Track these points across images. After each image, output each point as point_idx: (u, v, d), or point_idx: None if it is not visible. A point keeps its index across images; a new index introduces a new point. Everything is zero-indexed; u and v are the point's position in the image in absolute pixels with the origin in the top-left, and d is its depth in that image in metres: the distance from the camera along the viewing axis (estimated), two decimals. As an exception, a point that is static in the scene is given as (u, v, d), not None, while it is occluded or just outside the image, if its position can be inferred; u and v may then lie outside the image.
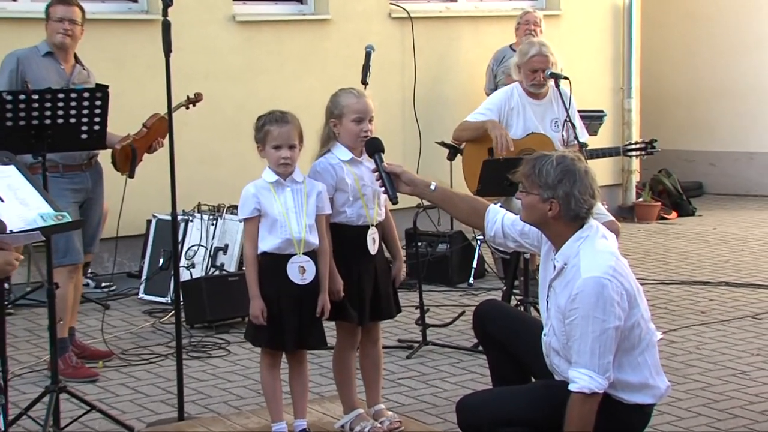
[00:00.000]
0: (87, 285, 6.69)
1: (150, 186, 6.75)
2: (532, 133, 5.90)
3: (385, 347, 4.72)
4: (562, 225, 3.57)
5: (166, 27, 4.26)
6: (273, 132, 3.98)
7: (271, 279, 3.98)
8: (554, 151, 3.67)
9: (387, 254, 4.33)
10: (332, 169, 4.12)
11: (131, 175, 5.27)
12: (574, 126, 5.77)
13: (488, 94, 6.89)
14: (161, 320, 6.09)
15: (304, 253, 3.98)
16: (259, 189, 4.00)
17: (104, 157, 5.31)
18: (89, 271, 6.76)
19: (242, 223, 4.09)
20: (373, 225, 4.17)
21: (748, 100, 10.54)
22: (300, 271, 3.98)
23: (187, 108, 5.79)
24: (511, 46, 8.02)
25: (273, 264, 3.98)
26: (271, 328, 3.97)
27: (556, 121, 5.98)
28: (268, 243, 3.98)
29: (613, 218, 5.60)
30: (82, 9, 5.30)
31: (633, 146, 6.14)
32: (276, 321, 3.97)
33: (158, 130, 5.35)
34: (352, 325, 4.18)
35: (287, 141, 3.99)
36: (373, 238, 4.16)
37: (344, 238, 4.14)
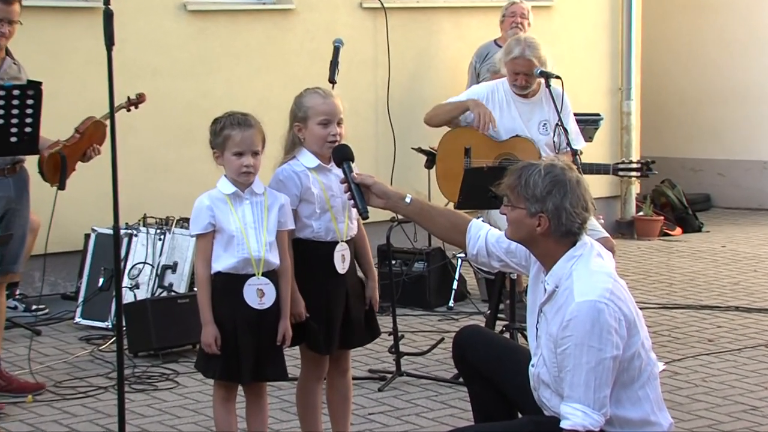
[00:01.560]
0: (15, 308, 6.64)
1: (89, 196, 6.72)
2: (517, 135, 5.95)
3: (354, 378, 4.71)
4: (552, 242, 3.59)
5: (108, 16, 4.24)
6: (234, 137, 3.98)
7: (225, 302, 3.98)
8: (541, 159, 3.69)
9: (360, 273, 4.34)
10: (297, 178, 4.12)
11: (61, 187, 5.22)
12: (566, 131, 5.81)
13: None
14: (100, 348, 6.06)
15: (263, 274, 3.98)
16: (214, 201, 4.00)
17: (31, 162, 5.28)
18: (17, 292, 6.71)
19: (194, 239, 4.08)
20: (343, 240, 4.18)
21: (762, 102, 10.63)
22: (258, 294, 3.98)
23: (128, 110, 5.77)
24: (495, 41, 8.07)
25: (228, 286, 3.98)
26: (226, 357, 3.97)
27: (545, 124, 6.03)
28: (223, 262, 3.98)
29: (607, 235, 5.64)
30: (20, 3, 5.28)
31: (626, 166, 6.16)
32: (231, 349, 3.97)
33: (93, 136, 5.32)
34: (317, 354, 4.18)
35: (250, 147, 3.99)
36: (343, 255, 4.17)
37: (310, 255, 4.14)
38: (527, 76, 5.93)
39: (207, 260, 3.99)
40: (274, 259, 4.02)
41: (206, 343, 3.96)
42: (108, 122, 5.44)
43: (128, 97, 5.64)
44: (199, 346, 4.04)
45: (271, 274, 4.01)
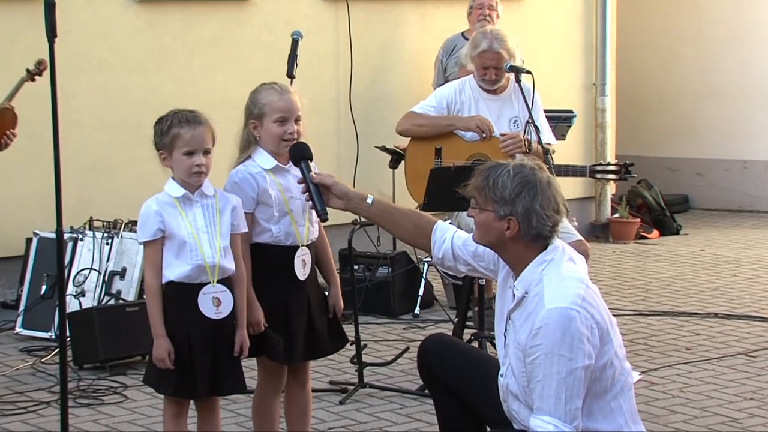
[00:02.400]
0: (-50, 318, 6.59)
1: (30, 197, 6.66)
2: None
3: (314, 390, 4.70)
4: (521, 246, 3.60)
5: (50, 6, 4.22)
6: (184, 135, 3.96)
7: (179, 313, 3.96)
8: (510, 160, 3.71)
9: (321, 279, 4.33)
10: (253, 180, 4.12)
11: None
12: (537, 128, 5.84)
13: (438, 91, 6.95)
14: (42, 360, 6.02)
15: (218, 281, 3.97)
16: (163, 205, 3.98)
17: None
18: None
19: (142, 246, 4.06)
20: (303, 245, 4.17)
21: (741, 99, 10.72)
22: (214, 303, 3.97)
23: (33, 80, 5.55)
24: (463, 33, 8.09)
25: (181, 295, 3.96)
26: (180, 372, 3.94)
27: (516, 121, 6.06)
28: (175, 270, 3.95)
29: (581, 238, 5.67)
30: None
31: (603, 168, 6.19)
32: (185, 364, 3.95)
33: (3, 123, 5.24)
34: (277, 364, 4.18)
35: (201, 145, 3.97)
36: (304, 261, 4.17)
37: (269, 260, 4.14)
38: (497, 69, 5.96)
39: (157, 269, 3.96)
40: (229, 265, 4.01)
41: (159, 358, 3.93)
42: (12, 105, 5.38)
43: (27, 70, 5.48)
44: (149, 359, 4.02)
45: (226, 282, 4.00)
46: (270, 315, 4.12)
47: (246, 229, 4.09)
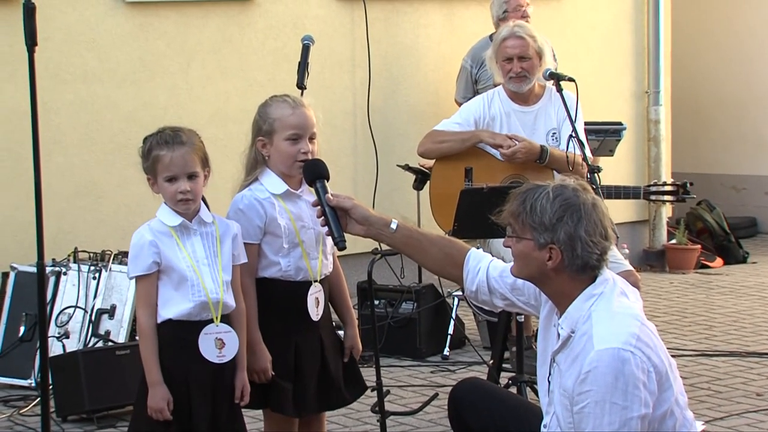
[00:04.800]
0: None
1: (6, 226, 6.69)
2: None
3: (330, 445, 4.70)
4: (566, 279, 3.60)
5: (30, 11, 4.26)
6: (163, 159, 3.97)
7: (176, 357, 3.97)
8: (550, 181, 3.72)
9: (335, 317, 4.33)
10: (260, 206, 4.13)
11: None
12: (582, 144, 5.85)
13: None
14: (21, 411, 6.03)
15: (221, 320, 3.97)
16: (158, 235, 3.99)
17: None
18: None
19: (133, 281, 4.07)
20: (316, 281, 4.17)
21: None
22: (217, 345, 3.97)
23: None
24: (491, 36, 8.09)
25: (180, 336, 3.97)
26: (177, 423, 3.95)
27: (555, 134, 6.07)
28: (175, 308, 3.96)
29: (630, 268, 5.66)
30: None
31: (658, 188, 6.19)
32: (182, 414, 3.95)
33: None
34: (285, 417, 4.17)
35: (184, 169, 3.98)
36: (317, 299, 4.18)
37: (277, 298, 4.15)
38: (522, 60, 5.97)
39: (151, 307, 3.97)
40: (231, 301, 4.02)
41: (156, 408, 3.93)
42: None
43: None
44: (136, 409, 4.01)
45: (227, 320, 4.00)
46: (278, 360, 4.12)
47: (246, 260, 4.09)
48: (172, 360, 3.97)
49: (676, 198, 6.15)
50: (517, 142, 5.98)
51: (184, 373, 3.96)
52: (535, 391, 5.08)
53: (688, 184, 6.07)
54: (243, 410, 4.11)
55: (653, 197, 6.20)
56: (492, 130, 6.10)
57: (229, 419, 4.02)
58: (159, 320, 3.97)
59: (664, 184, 6.31)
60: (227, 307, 4.00)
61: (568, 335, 3.58)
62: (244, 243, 4.10)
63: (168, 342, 3.97)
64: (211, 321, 3.98)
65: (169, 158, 3.97)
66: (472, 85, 8.06)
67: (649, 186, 6.24)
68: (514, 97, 6.13)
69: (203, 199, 4.08)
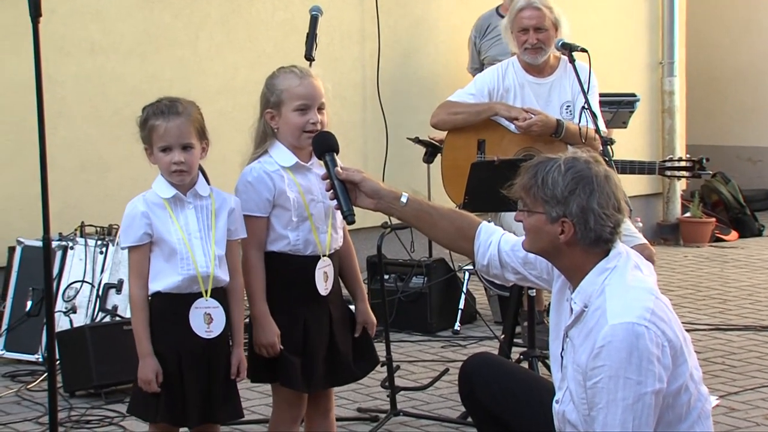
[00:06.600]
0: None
1: (12, 201, 6.70)
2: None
3: (339, 419, 4.71)
4: (579, 253, 3.59)
5: (34, -18, 4.24)
6: (158, 129, 3.99)
7: (167, 329, 3.98)
8: (561, 154, 3.71)
9: (344, 292, 4.33)
10: (269, 179, 4.12)
11: None
12: (595, 115, 5.83)
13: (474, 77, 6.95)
14: (28, 386, 6.05)
15: (211, 294, 3.98)
16: (151, 206, 4.00)
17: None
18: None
19: (126, 252, 4.07)
20: (325, 255, 4.18)
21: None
22: (206, 320, 3.98)
23: None
24: (497, 9, 8.09)
25: (170, 309, 3.98)
26: (169, 396, 3.96)
27: (569, 106, 6.06)
28: (164, 280, 3.97)
29: (645, 241, 5.64)
30: None
31: (674, 164, 6.17)
32: (175, 386, 3.96)
33: None
34: (294, 392, 4.18)
35: (178, 140, 3.98)
36: (326, 273, 4.18)
37: (285, 272, 4.15)
38: (538, 32, 5.96)
39: (143, 278, 3.98)
40: (224, 275, 4.03)
41: (145, 380, 3.95)
42: None
43: None
44: (134, 384, 4.02)
45: (219, 294, 4.01)
46: (286, 335, 4.12)
47: (245, 235, 4.09)
48: (163, 332, 3.98)
49: (691, 174, 6.12)
50: (533, 116, 5.97)
51: (175, 346, 3.98)
52: (547, 366, 5.09)
53: (704, 160, 6.04)
54: (253, 385, 4.11)
55: (668, 173, 6.17)
56: (506, 101, 6.09)
57: (223, 394, 4.03)
58: (150, 292, 3.99)
59: (680, 159, 6.29)
60: (218, 281, 4.01)
61: (582, 310, 3.58)
62: (253, 216, 4.10)
63: (159, 314, 3.99)
64: (201, 295, 3.98)
65: (164, 128, 3.98)
66: (477, 55, 8.07)
67: (664, 161, 6.22)
68: (528, 69, 6.12)
69: (202, 172, 4.09)
